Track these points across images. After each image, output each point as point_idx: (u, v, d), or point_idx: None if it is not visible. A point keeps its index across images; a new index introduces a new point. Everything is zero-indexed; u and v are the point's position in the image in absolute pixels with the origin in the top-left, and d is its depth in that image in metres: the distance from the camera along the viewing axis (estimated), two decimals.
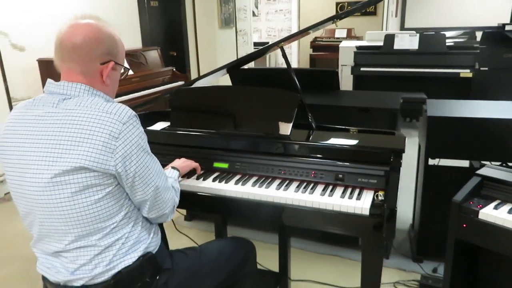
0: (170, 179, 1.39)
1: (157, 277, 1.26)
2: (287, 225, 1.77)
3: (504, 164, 2.08)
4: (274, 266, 2.19)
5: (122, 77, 1.30)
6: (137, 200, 1.20)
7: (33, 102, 1.20)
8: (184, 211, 3.03)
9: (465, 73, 4.73)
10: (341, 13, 1.77)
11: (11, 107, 3.46)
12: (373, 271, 1.54)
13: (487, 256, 1.68)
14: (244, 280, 1.54)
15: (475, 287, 1.76)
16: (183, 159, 1.65)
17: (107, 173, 1.10)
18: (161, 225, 1.61)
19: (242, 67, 2.24)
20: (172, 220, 2.35)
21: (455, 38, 6.84)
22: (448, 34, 7.01)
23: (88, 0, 4.25)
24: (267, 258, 2.33)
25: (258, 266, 2.27)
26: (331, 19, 1.75)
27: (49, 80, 1.20)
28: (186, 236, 2.67)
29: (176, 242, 2.50)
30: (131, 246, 1.20)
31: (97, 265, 1.16)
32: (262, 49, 1.91)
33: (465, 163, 2.27)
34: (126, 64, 1.33)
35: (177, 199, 1.35)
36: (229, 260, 1.46)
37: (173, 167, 1.52)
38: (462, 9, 9.83)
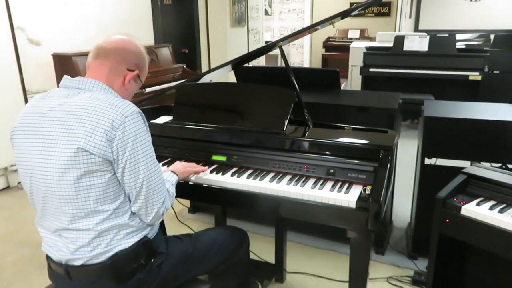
0: (167, 182, 1.42)
1: (152, 260, 1.34)
2: (279, 216, 1.84)
3: (504, 166, 2.12)
4: (271, 258, 2.26)
5: (136, 92, 1.45)
6: (126, 191, 1.26)
7: (48, 93, 1.31)
8: (188, 203, 3.12)
9: (474, 75, 4.72)
10: (337, 14, 1.83)
11: (26, 100, 3.60)
12: (360, 263, 1.61)
13: (475, 254, 1.73)
14: (236, 268, 1.62)
15: (464, 284, 1.81)
16: (184, 164, 1.68)
17: (106, 159, 1.18)
18: None
19: (246, 65, 2.31)
20: (175, 211, 2.45)
21: (469, 41, 6.81)
22: (461, 36, 7.00)
23: None
24: (264, 250, 2.40)
25: (256, 258, 2.36)
26: (327, 20, 1.82)
27: (65, 76, 1.32)
28: (189, 228, 2.76)
29: (178, 233, 2.58)
30: (128, 233, 1.28)
31: (95, 248, 1.24)
32: (261, 48, 1.98)
33: (463, 163, 2.31)
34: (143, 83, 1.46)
35: (168, 204, 1.35)
36: (221, 247, 1.54)
37: (173, 172, 1.55)
38: (479, 12, 9.72)
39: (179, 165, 1.65)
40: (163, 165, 1.81)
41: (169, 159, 1.86)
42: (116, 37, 1.36)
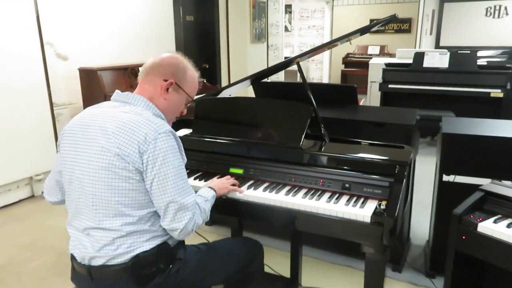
0: (200, 198, 1.47)
1: (171, 266, 1.38)
2: (295, 229, 1.86)
3: None
4: (286, 273, 2.27)
5: (186, 105, 1.54)
6: (155, 204, 1.33)
7: (100, 104, 1.45)
8: None
9: (496, 93, 4.66)
10: (355, 31, 1.86)
11: (53, 112, 3.73)
12: (376, 278, 1.61)
13: (493, 273, 1.70)
14: (251, 279, 1.64)
15: None
16: (222, 180, 1.69)
17: (136, 169, 1.27)
18: None
19: (264, 80, 2.36)
20: None
21: (491, 58, 6.73)
22: (484, 53, 6.92)
23: (128, 13, 4.54)
24: (280, 264, 2.41)
25: (271, 271, 2.37)
26: (345, 36, 1.85)
27: (116, 91, 1.46)
28: (206, 240, 2.78)
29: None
30: (150, 238, 1.35)
31: (119, 247, 1.31)
32: (279, 64, 2.03)
33: (482, 181, 2.28)
34: (190, 94, 1.52)
35: (199, 220, 1.38)
36: (237, 257, 1.57)
37: (210, 187, 1.57)
38: (501, 29, 9.64)
39: (216, 181, 1.67)
40: (194, 178, 1.85)
41: (188, 171, 1.90)
42: (158, 55, 1.47)
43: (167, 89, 1.43)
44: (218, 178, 1.73)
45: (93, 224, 1.32)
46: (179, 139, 1.38)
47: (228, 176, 1.75)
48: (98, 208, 1.31)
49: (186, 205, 1.32)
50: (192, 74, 1.50)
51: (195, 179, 1.85)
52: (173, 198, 1.30)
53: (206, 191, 1.54)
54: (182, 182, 1.33)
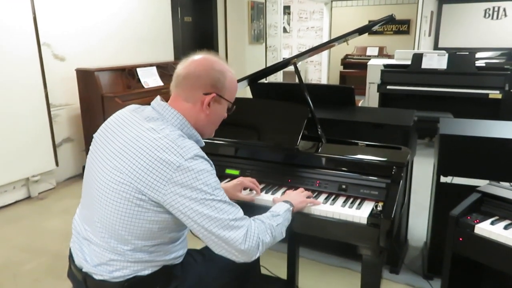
0: (265, 215, 1.33)
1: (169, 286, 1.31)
2: (291, 230, 1.84)
3: None
4: (283, 274, 2.25)
5: (228, 113, 1.38)
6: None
7: (138, 108, 1.33)
8: None
9: (494, 94, 4.66)
10: (353, 31, 1.85)
11: (49, 113, 3.71)
12: (372, 280, 1.60)
13: (490, 275, 1.69)
14: (247, 283, 1.60)
15: None
16: (301, 193, 1.55)
17: (154, 200, 1.15)
18: None
19: (261, 81, 2.35)
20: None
21: (490, 59, 6.73)
22: (482, 54, 6.92)
23: (125, 14, 4.53)
24: (277, 266, 2.39)
25: (268, 273, 2.36)
26: (342, 37, 1.85)
27: (157, 97, 1.32)
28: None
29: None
30: (152, 266, 1.26)
31: (117, 270, 1.22)
32: (275, 65, 2.02)
33: (480, 182, 2.27)
34: (231, 100, 1.36)
35: (265, 238, 1.24)
36: (233, 267, 1.43)
37: (286, 201, 1.44)
38: (500, 30, 9.64)
39: (293, 195, 1.54)
40: None
41: None
42: (189, 60, 1.30)
43: (209, 104, 1.28)
44: (293, 190, 1.61)
45: (94, 238, 1.25)
46: (211, 164, 1.23)
47: (302, 189, 1.62)
48: (101, 228, 1.22)
49: (227, 227, 1.17)
50: (232, 77, 1.34)
51: None
52: (207, 229, 1.15)
53: (279, 206, 1.40)
54: (212, 212, 1.15)
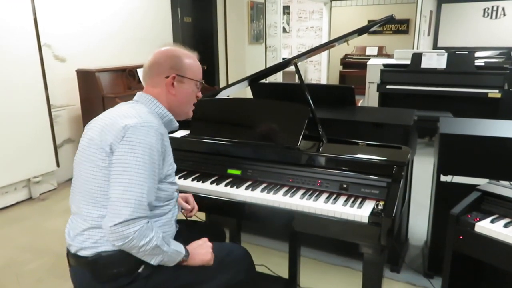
0: (168, 245, 1.30)
1: (139, 270, 1.31)
2: (293, 229, 1.86)
3: None
4: (285, 273, 2.26)
5: (199, 88, 1.52)
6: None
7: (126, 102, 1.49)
8: (203, 216, 3.14)
9: (494, 93, 4.68)
10: (353, 31, 1.86)
11: (50, 114, 3.72)
12: (374, 279, 1.61)
13: (491, 273, 1.70)
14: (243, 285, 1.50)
15: None
16: (204, 249, 1.42)
17: (107, 152, 1.28)
18: None
19: (262, 81, 2.36)
20: None
21: (489, 58, 6.75)
22: (481, 54, 6.94)
23: (125, 14, 4.54)
24: (278, 265, 2.40)
25: (269, 272, 2.37)
26: (342, 37, 1.86)
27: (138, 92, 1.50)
28: None
29: None
30: None
31: (86, 239, 1.31)
32: (276, 65, 2.03)
33: (480, 181, 2.28)
34: (196, 78, 1.49)
35: (146, 239, 1.23)
36: (220, 266, 1.43)
37: (186, 248, 1.38)
38: (499, 29, 9.67)
39: (198, 247, 1.42)
40: (192, 180, 1.85)
41: (185, 172, 1.91)
42: (153, 53, 1.45)
43: (172, 84, 1.42)
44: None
45: (74, 208, 1.37)
46: (166, 144, 1.37)
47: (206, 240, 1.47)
48: (78, 194, 1.34)
49: (129, 203, 1.21)
50: (189, 58, 1.47)
51: (192, 180, 1.85)
52: (126, 190, 1.22)
53: (179, 246, 1.36)
54: (139, 178, 1.23)
